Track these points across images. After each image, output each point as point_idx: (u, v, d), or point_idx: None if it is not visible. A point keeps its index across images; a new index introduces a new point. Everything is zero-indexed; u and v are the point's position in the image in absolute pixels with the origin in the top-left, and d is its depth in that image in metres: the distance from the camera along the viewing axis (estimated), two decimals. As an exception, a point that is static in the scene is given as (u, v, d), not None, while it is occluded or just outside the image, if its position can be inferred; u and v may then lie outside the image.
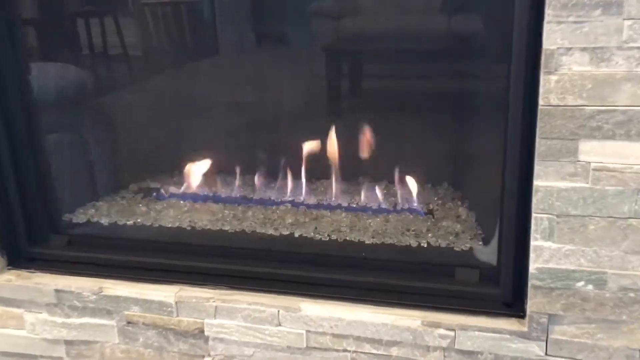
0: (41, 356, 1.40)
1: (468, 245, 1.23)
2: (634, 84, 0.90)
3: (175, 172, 1.63)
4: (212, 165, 1.55)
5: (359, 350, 1.17)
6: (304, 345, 1.20)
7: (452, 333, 1.11)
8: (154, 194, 1.56)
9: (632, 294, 1.00)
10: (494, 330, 1.09)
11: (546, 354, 1.07)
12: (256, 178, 1.50)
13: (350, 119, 1.50)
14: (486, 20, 1.14)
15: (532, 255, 1.03)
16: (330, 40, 1.44)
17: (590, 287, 1.01)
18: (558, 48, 0.92)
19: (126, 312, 1.29)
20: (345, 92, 1.52)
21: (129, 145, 1.66)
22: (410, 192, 1.40)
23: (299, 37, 1.48)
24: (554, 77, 0.93)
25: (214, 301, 1.23)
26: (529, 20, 0.94)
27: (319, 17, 1.40)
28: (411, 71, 1.39)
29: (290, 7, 1.47)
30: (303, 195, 1.46)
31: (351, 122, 1.47)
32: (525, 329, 1.07)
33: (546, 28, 0.91)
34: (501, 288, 1.11)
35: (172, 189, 1.56)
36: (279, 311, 1.20)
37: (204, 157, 1.56)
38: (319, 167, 1.46)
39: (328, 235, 1.30)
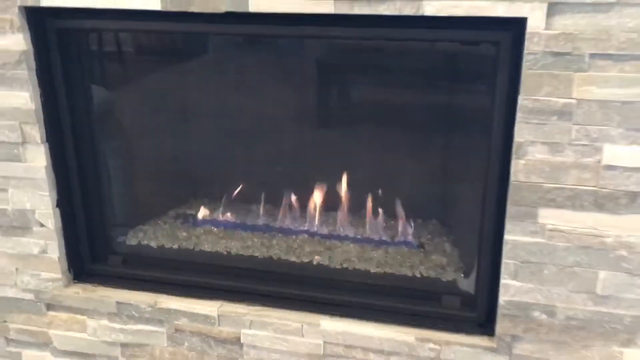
0: (99, 355, 1.70)
1: (452, 277, 1.55)
2: (579, 170, 1.22)
3: (206, 199, 1.94)
4: (237, 194, 1.87)
5: (365, 358, 1.49)
6: (322, 353, 1.51)
7: (439, 347, 1.43)
8: (190, 220, 1.86)
9: (574, 322, 1.33)
10: (471, 346, 1.41)
11: (510, 365, 1.40)
12: (281, 211, 1.80)
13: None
14: (472, 120, 1.44)
15: (501, 290, 1.35)
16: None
17: (544, 316, 1.34)
18: (525, 141, 1.24)
19: (175, 322, 1.59)
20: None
21: (166, 176, 1.94)
22: (405, 227, 1.72)
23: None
24: (522, 162, 1.25)
25: (249, 316, 1.54)
26: (505, 121, 1.26)
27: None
28: (421, 164, 1.72)
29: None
30: (316, 225, 1.78)
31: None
32: (495, 345, 1.40)
33: (517, 126, 1.23)
34: (477, 313, 1.44)
35: (205, 216, 1.86)
36: (302, 325, 1.51)
37: (228, 188, 1.88)
38: (327, 201, 1.78)
39: (340, 263, 1.62)
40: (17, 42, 1.44)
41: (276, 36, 1.53)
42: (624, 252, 1.25)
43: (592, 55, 1.15)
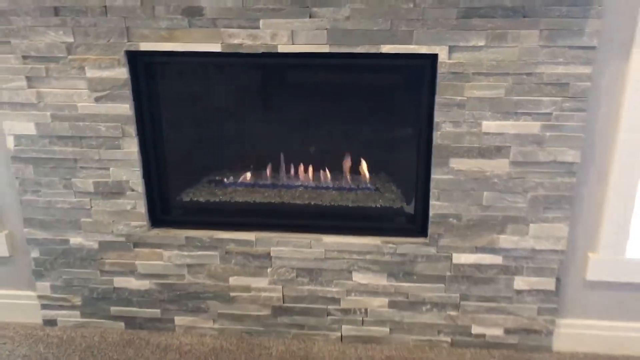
0: (171, 274, 2.54)
1: (400, 205, 2.50)
2: (470, 136, 2.19)
3: (225, 169, 2.79)
4: (250, 162, 2.72)
5: (351, 257, 2.42)
6: (323, 257, 2.43)
7: (395, 246, 2.38)
8: (221, 183, 2.71)
9: (471, 223, 2.31)
10: (414, 243, 2.37)
11: (437, 252, 2.37)
12: (283, 172, 2.68)
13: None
14: (411, 109, 2.35)
15: (430, 208, 2.31)
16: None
17: (455, 221, 2.31)
18: (440, 121, 2.18)
19: (226, 247, 2.47)
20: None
21: (197, 154, 2.77)
22: (366, 179, 2.65)
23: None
24: (439, 132, 2.20)
25: (276, 238, 2.43)
26: (428, 110, 2.21)
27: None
28: (378, 138, 2.58)
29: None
30: (309, 181, 2.67)
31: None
32: (428, 241, 2.36)
33: (435, 113, 2.17)
34: (416, 224, 2.39)
35: (230, 180, 2.71)
36: (310, 241, 2.42)
37: (244, 159, 2.73)
38: (315, 164, 2.67)
39: (329, 203, 2.53)
40: (122, 73, 2.25)
41: (292, 65, 2.40)
42: (495, 180, 2.23)
43: (473, 73, 2.11)
